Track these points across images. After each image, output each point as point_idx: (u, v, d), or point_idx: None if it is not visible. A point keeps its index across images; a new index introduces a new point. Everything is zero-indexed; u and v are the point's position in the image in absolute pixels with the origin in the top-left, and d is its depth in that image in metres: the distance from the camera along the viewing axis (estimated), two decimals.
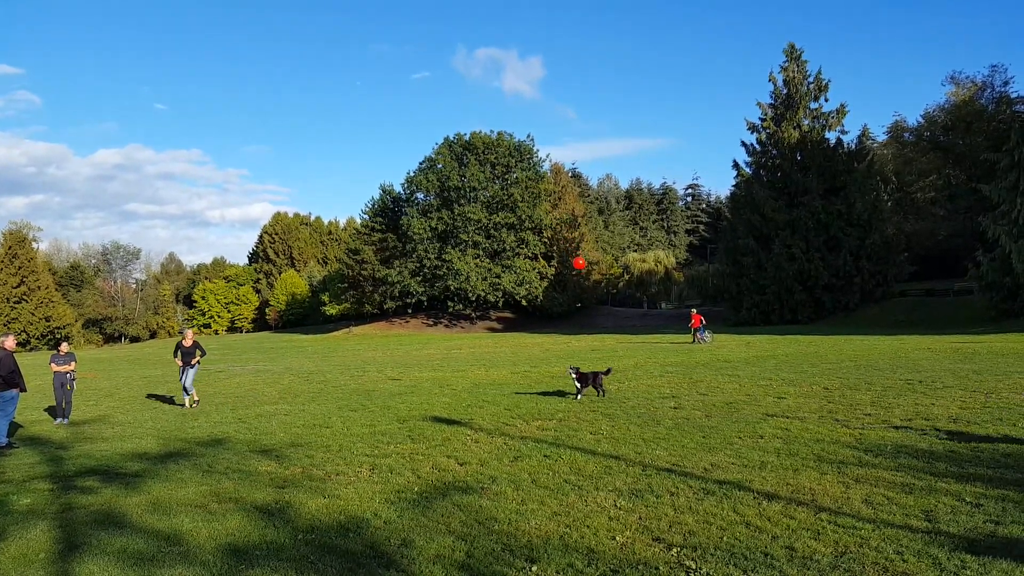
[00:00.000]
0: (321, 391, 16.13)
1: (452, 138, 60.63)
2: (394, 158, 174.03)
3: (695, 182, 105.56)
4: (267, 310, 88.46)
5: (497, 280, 57.87)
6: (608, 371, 13.45)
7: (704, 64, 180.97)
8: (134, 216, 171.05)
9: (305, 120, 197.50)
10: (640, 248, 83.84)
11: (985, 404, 10.36)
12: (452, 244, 58.14)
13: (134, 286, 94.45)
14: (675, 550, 4.85)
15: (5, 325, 63.11)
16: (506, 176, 60.18)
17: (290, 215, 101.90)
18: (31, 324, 66.85)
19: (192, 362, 13.82)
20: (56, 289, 74.07)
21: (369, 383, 17.57)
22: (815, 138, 48.28)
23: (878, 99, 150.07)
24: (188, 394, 13.86)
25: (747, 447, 8.03)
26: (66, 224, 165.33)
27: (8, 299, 66.93)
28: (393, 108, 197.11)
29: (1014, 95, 48.05)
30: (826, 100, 49.02)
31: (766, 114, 50.14)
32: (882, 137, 61.74)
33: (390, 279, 59.54)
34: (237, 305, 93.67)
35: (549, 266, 60.73)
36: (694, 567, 4.54)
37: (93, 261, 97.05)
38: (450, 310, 61.26)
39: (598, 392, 12.67)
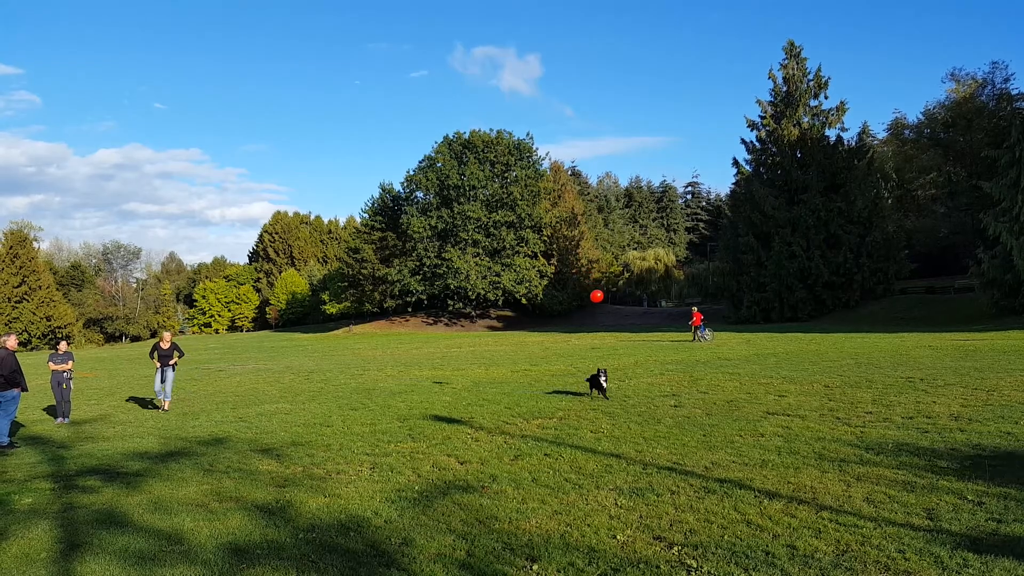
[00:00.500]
0: (321, 390, 16.12)
1: (451, 137, 60.59)
2: (393, 157, 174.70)
3: (695, 180, 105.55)
4: (267, 309, 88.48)
5: (497, 278, 57.83)
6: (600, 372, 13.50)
7: (703, 62, 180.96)
8: (134, 215, 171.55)
9: (304, 119, 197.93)
10: (640, 246, 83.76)
11: (987, 402, 10.36)
12: (452, 243, 58.10)
13: (135, 285, 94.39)
14: (676, 549, 4.85)
15: (6, 325, 63.18)
16: (505, 174, 60.12)
17: (290, 214, 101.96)
18: (32, 324, 66.88)
19: (170, 363, 13.51)
20: (57, 288, 74.07)
21: (369, 382, 17.57)
22: (815, 135, 48.16)
23: (878, 96, 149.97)
24: (165, 396, 13.48)
25: (748, 445, 8.03)
26: (66, 224, 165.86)
27: (9, 299, 66.99)
28: (392, 107, 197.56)
29: (1015, 92, 47.87)
30: (826, 97, 48.93)
31: (766, 112, 50.02)
32: (882, 134, 61.59)
33: (390, 278, 59.52)
34: (237, 304, 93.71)
35: (549, 264, 60.72)
36: (695, 566, 4.54)
37: (94, 261, 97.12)
38: (450, 309, 61.25)
39: (598, 392, 12.74)
